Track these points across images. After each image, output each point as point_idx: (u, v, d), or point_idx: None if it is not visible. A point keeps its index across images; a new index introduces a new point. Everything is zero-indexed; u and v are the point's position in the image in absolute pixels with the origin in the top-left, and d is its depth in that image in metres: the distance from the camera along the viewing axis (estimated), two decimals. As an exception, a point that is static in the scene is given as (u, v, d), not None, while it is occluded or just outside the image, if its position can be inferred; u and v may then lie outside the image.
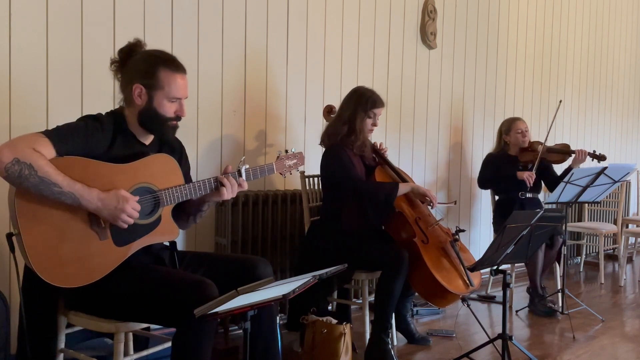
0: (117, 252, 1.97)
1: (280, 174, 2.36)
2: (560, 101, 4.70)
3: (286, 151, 2.40)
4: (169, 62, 2.06)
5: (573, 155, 4.17)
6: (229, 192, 2.13)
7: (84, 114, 2.21)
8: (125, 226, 1.93)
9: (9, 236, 1.86)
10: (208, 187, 2.12)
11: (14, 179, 1.77)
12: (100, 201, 1.87)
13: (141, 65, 2.05)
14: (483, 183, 4.36)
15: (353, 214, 3.11)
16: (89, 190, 1.86)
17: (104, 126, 2.01)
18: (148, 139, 2.15)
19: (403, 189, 3.08)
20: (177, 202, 2.08)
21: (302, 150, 3.66)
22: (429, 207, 3.26)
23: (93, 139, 1.96)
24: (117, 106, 2.17)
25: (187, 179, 2.24)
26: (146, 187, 2.01)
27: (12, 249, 1.87)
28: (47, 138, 1.85)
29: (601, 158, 4.14)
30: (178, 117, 2.11)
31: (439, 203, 3.25)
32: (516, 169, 4.16)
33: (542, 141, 4.22)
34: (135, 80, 2.04)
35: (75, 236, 1.89)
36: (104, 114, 2.09)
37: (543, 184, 4.35)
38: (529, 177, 4.03)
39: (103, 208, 1.88)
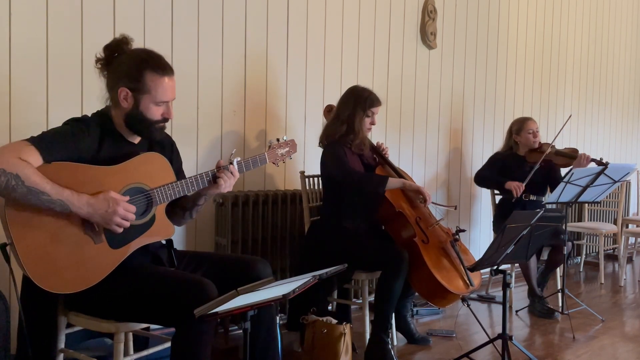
0: (113, 255, 1.96)
1: (274, 163, 2.31)
2: (570, 116, 4.70)
3: (277, 140, 2.34)
4: (156, 65, 2.01)
5: None
6: (226, 186, 2.12)
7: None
8: (120, 230, 1.91)
9: (3, 246, 1.85)
10: (201, 183, 2.10)
11: (1, 190, 1.74)
12: (90, 206, 1.84)
13: (127, 68, 2.00)
14: (478, 177, 4.34)
15: (353, 214, 3.11)
16: (78, 197, 1.83)
17: (90, 128, 1.98)
18: (137, 138, 2.12)
19: (394, 182, 3.07)
20: (170, 200, 2.06)
21: (302, 150, 3.68)
22: (425, 205, 3.25)
23: (80, 143, 1.93)
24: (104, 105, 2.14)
25: (180, 174, 2.23)
26: (138, 187, 2.00)
27: (7, 260, 1.85)
28: (33, 145, 1.82)
29: (604, 165, 4.07)
30: (165, 119, 2.08)
31: (439, 204, 3.25)
32: (523, 169, 4.13)
33: (551, 143, 4.20)
34: (121, 84, 1.99)
35: (70, 242, 1.87)
36: (89, 115, 2.07)
37: (548, 187, 4.33)
38: (516, 187, 4.00)
39: (94, 213, 1.85)
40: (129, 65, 2.01)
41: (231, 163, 2.16)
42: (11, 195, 1.75)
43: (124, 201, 1.90)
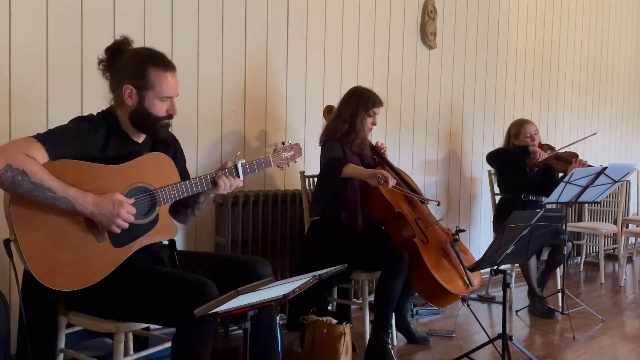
0: (115, 254, 1.96)
1: (278, 166, 2.32)
2: (595, 133, 4.73)
3: (282, 143, 2.37)
4: (159, 61, 2.03)
5: None
6: (226, 187, 2.13)
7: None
8: (119, 231, 1.92)
9: (7, 242, 1.85)
10: (205, 185, 2.11)
11: (7, 185, 1.75)
12: (95, 206, 1.85)
13: (130, 65, 2.02)
14: (491, 153, 4.33)
15: (353, 213, 3.11)
16: (84, 195, 1.84)
17: (96, 127, 1.99)
18: (141, 137, 2.13)
19: (353, 169, 2.96)
20: (173, 200, 2.06)
21: (302, 150, 3.67)
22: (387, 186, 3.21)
23: (86, 141, 1.94)
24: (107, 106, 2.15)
25: (184, 173, 2.23)
26: (142, 187, 2.00)
27: (10, 255, 1.86)
28: (39, 142, 1.83)
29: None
30: (170, 116, 2.09)
31: (425, 198, 3.25)
32: (523, 171, 4.13)
33: (554, 147, 4.19)
34: (125, 81, 2.01)
35: (73, 239, 1.88)
36: (95, 114, 2.07)
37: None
38: (540, 152, 4.04)
39: (98, 213, 1.86)
40: (133, 63, 2.02)
41: (235, 166, 2.16)
42: (17, 190, 1.76)
43: (128, 203, 1.91)
